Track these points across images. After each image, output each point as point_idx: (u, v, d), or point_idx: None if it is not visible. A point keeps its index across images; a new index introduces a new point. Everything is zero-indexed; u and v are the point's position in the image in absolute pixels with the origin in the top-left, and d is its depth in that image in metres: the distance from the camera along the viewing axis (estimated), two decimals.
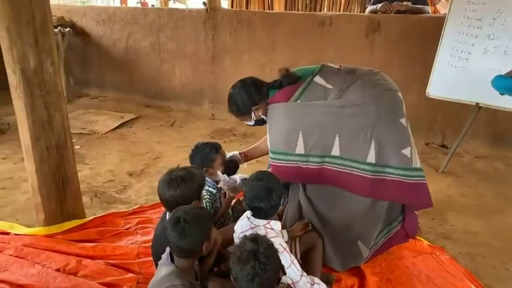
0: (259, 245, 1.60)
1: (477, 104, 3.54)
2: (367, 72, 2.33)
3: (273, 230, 1.93)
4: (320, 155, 2.22)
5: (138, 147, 4.36)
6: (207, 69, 5.33)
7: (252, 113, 2.40)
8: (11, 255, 2.43)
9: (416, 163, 2.25)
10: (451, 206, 3.25)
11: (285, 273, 1.81)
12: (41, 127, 2.46)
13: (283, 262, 1.80)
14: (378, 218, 2.35)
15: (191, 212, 1.74)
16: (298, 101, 2.27)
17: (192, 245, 1.71)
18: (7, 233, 2.68)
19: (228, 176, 2.47)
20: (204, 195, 2.50)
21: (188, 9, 5.69)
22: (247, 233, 1.91)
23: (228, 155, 2.70)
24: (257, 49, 4.87)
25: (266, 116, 2.39)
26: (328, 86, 2.25)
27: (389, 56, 4.28)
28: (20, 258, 2.42)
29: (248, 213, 2.03)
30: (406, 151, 2.19)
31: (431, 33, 3.85)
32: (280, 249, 1.84)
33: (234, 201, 2.78)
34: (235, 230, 2.08)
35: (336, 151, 2.20)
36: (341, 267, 2.36)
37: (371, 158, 2.17)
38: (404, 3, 4.43)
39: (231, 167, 2.65)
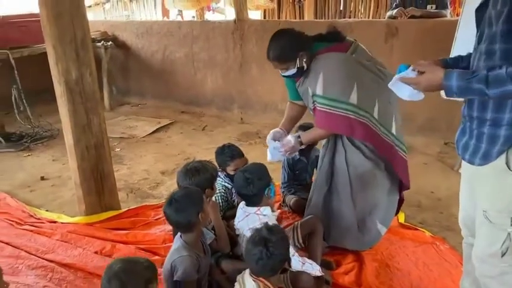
0: (272, 235, 1.81)
1: None
2: None
3: (265, 216, 2.19)
4: (366, 111, 2.29)
5: (171, 149, 4.75)
6: (236, 77, 5.68)
7: (297, 59, 2.30)
8: (57, 239, 2.85)
9: None
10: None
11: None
12: (81, 130, 2.86)
13: None
14: (393, 201, 2.60)
15: (180, 192, 2.04)
16: (354, 55, 2.33)
17: (187, 218, 1.97)
18: (55, 222, 3.12)
19: None
20: (219, 190, 2.78)
21: (218, 21, 6.07)
22: (243, 221, 2.20)
23: (272, 132, 2.66)
24: None
25: (310, 64, 2.34)
26: (370, 54, 2.43)
27: (407, 59, 4.35)
28: (65, 242, 2.82)
29: (242, 203, 2.31)
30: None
31: (445, 36, 3.97)
32: None
33: None
34: (235, 221, 2.36)
35: (375, 114, 2.31)
36: (362, 246, 2.61)
37: (393, 129, 2.39)
38: (429, 6, 4.60)
39: None
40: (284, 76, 2.46)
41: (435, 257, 2.61)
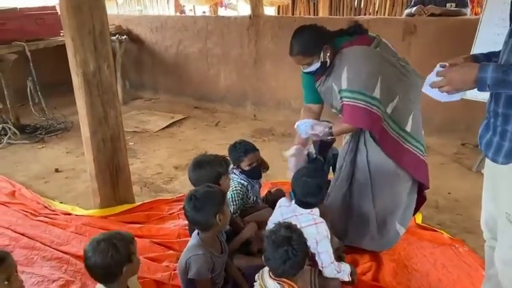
0: (292, 232, 1.79)
1: None
2: None
3: (319, 217, 2.14)
4: (383, 105, 2.26)
5: (184, 144, 4.74)
6: (250, 73, 5.64)
7: (322, 53, 2.28)
8: (72, 231, 2.85)
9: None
10: (480, 203, 3.30)
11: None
12: (98, 122, 2.84)
13: (323, 247, 2.03)
14: (412, 200, 2.55)
15: (201, 189, 1.98)
16: (378, 49, 2.30)
17: (205, 218, 1.94)
18: (69, 214, 3.12)
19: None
20: (235, 187, 2.73)
21: (233, 16, 6.04)
22: (291, 220, 2.08)
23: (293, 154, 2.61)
24: None
25: (334, 60, 2.32)
26: (394, 49, 2.38)
27: (425, 57, 4.34)
28: (79, 234, 2.82)
29: (283, 201, 2.26)
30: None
31: (465, 35, 3.90)
32: (324, 233, 2.07)
33: (265, 192, 3.03)
34: (271, 220, 2.26)
35: (389, 109, 2.29)
36: (380, 247, 2.57)
37: (408, 127, 2.35)
38: (448, 4, 4.52)
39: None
40: (306, 73, 2.42)
41: (454, 259, 2.57)
